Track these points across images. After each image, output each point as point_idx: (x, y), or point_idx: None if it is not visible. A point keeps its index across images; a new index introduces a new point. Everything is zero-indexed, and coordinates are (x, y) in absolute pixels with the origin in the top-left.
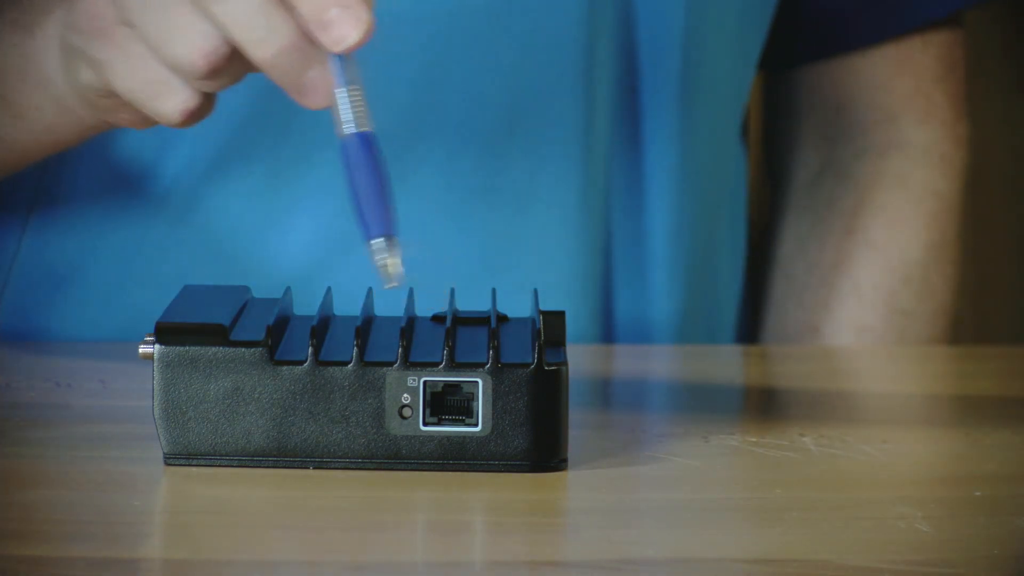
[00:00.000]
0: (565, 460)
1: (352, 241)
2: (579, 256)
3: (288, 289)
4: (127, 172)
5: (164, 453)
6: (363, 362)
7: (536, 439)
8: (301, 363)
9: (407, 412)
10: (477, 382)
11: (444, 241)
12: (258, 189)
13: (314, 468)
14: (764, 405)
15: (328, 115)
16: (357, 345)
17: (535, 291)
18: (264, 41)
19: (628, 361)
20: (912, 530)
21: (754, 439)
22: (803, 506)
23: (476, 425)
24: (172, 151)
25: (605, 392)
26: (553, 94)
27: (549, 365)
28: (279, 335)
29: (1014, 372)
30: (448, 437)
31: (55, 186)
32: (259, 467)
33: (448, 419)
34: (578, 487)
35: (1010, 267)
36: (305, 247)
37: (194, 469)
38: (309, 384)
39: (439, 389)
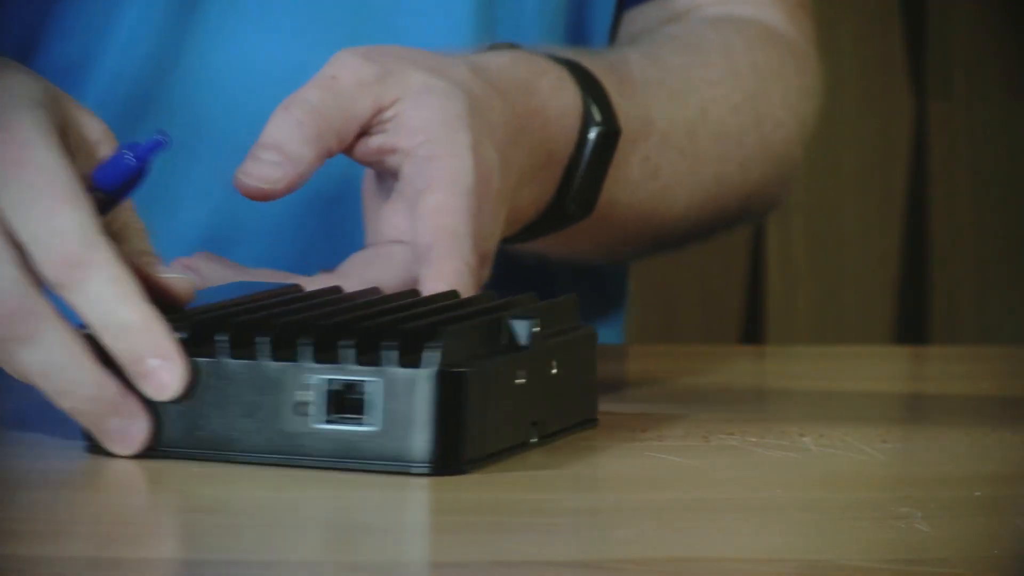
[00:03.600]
0: (473, 463)
1: (229, 244)
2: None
3: (296, 284)
4: None
5: (85, 443)
6: (266, 358)
7: (435, 442)
8: (211, 356)
9: (306, 409)
10: (375, 382)
11: None
12: (135, 196)
13: (224, 461)
14: (764, 405)
15: (211, 113)
16: (261, 341)
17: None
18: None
19: (627, 360)
20: (912, 530)
21: (754, 439)
22: (803, 506)
23: (372, 425)
24: None
25: (604, 391)
26: None
27: (452, 368)
28: (216, 326)
29: (1014, 372)
30: (345, 436)
31: None
32: (172, 459)
33: (345, 418)
34: (578, 487)
35: (1010, 267)
36: (183, 252)
37: (194, 469)
38: (216, 377)
39: (338, 387)
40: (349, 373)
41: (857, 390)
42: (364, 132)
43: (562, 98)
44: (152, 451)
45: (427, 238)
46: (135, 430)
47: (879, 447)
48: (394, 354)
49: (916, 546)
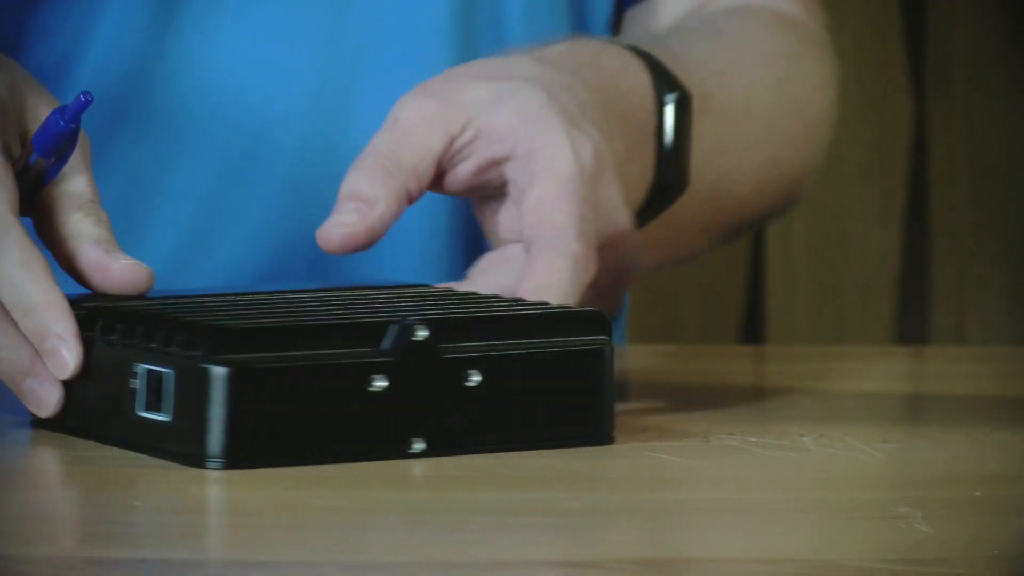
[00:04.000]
0: (272, 461)
1: (210, 245)
2: None
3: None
4: None
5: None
6: (109, 343)
7: (225, 437)
8: (88, 338)
9: (132, 396)
10: (168, 373)
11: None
12: (117, 196)
13: (90, 440)
14: (764, 405)
15: (193, 112)
16: (107, 328)
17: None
18: None
19: (627, 360)
20: (912, 530)
21: (754, 439)
22: (803, 506)
23: (166, 415)
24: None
25: None
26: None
27: (240, 364)
28: (101, 314)
29: (1014, 372)
30: (150, 426)
31: None
32: (49, 434)
33: (156, 407)
34: (578, 487)
35: (1010, 267)
36: (164, 252)
37: (194, 469)
38: (87, 361)
39: (155, 376)
40: (159, 364)
41: (857, 390)
42: (447, 166)
43: (628, 73)
44: (50, 422)
45: (530, 233)
46: (45, 393)
47: (879, 447)
48: (193, 347)
49: (916, 546)
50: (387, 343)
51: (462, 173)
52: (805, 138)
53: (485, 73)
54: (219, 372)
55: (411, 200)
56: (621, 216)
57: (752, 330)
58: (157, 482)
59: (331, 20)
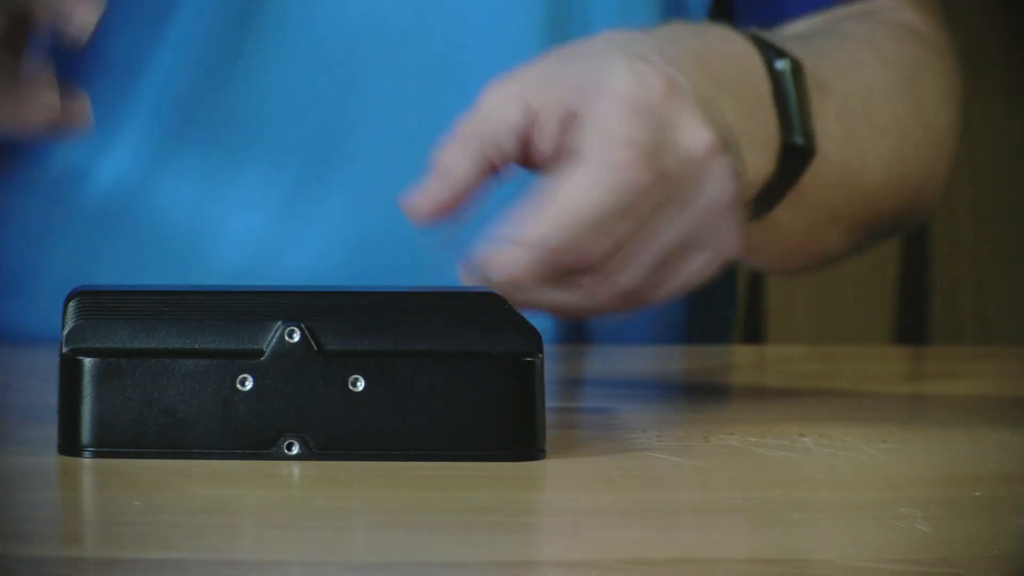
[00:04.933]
0: (98, 452)
1: (286, 241)
2: None
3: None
4: (62, 183)
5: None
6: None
7: (59, 425)
8: None
9: None
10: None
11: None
12: (194, 191)
13: None
14: (764, 405)
15: (261, 118)
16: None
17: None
18: None
19: (627, 360)
20: (912, 530)
21: (754, 439)
22: (803, 506)
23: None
24: (105, 159)
25: (604, 391)
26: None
27: (84, 354)
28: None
29: (1014, 372)
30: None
31: None
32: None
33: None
34: (578, 487)
35: (1010, 267)
36: (242, 246)
37: (194, 469)
38: None
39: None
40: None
41: (857, 390)
42: (533, 139)
43: (734, 42)
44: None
45: (576, 148)
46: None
47: (879, 447)
48: (70, 340)
49: (916, 546)
50: (260, 343)
51: (548, 141)
52: (928, 142)
53: (561, 53)
54: (86, 363)
55: (494, 170)
56: (700, 142)
57: (752, 330)
58: (157, 482)
59: (415, 23)
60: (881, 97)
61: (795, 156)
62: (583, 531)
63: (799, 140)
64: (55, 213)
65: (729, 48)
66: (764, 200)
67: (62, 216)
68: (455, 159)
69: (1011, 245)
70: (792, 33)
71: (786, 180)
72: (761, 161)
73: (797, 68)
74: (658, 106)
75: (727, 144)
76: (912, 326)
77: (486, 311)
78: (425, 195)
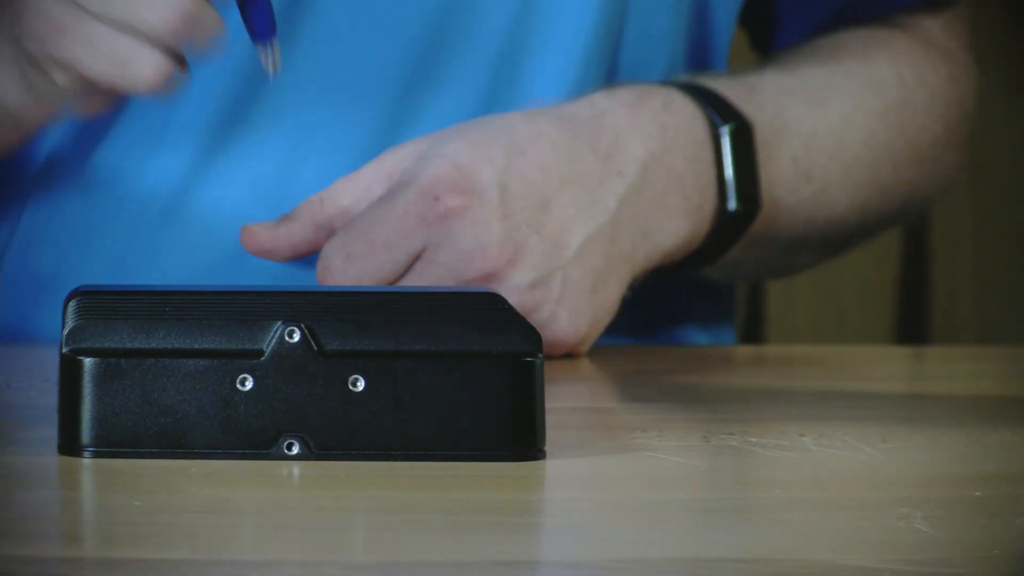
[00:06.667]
0: (98, 451)
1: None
2: None
3: None
4: (108, 178)
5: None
6: None
7: (59, 424)
8: None
9: None
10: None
11: None
12: (243, 194)
13: None
14: (764, 405)
15: (317, 117)
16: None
17: None
18: None
19: (627, 360)
20: (912, 530)
21: (754, 439)
22: (803, 506)
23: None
24: (152, 156)
25: (605, 391)
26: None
27: (84, 354)
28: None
29: (1014, 372)
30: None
31: (37, 199)
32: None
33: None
34: (578, 487)
35: (1010, 267)
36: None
37: (194, 469)
38: None
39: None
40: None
41: (857, 390)
42: None
43: (675, 110)
44: None
45: None
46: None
47: (879, 447)
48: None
49: (916, 546)
50: (260, 343)
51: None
52: (914, 161)
53: (463, 130)
54: (86, 363)
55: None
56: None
57: (752, 330)
58: (157, 482)
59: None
60: (858, 129)
61: (732, 217)
62: (583, 531)
63: (732, 205)
64: (101, 212)
65: (667, 120)
66: (711, 250)
67: (108, 215)
68: (297, 213)
69: (1011, 245)
70: (788, 56)
71: (730, 236)
72: (687, 227)
73: (743, 129)
74: (445, 201)
75: (519, 248)
76: (912, 326)
77: (486, 311)
78: (259, 235)
